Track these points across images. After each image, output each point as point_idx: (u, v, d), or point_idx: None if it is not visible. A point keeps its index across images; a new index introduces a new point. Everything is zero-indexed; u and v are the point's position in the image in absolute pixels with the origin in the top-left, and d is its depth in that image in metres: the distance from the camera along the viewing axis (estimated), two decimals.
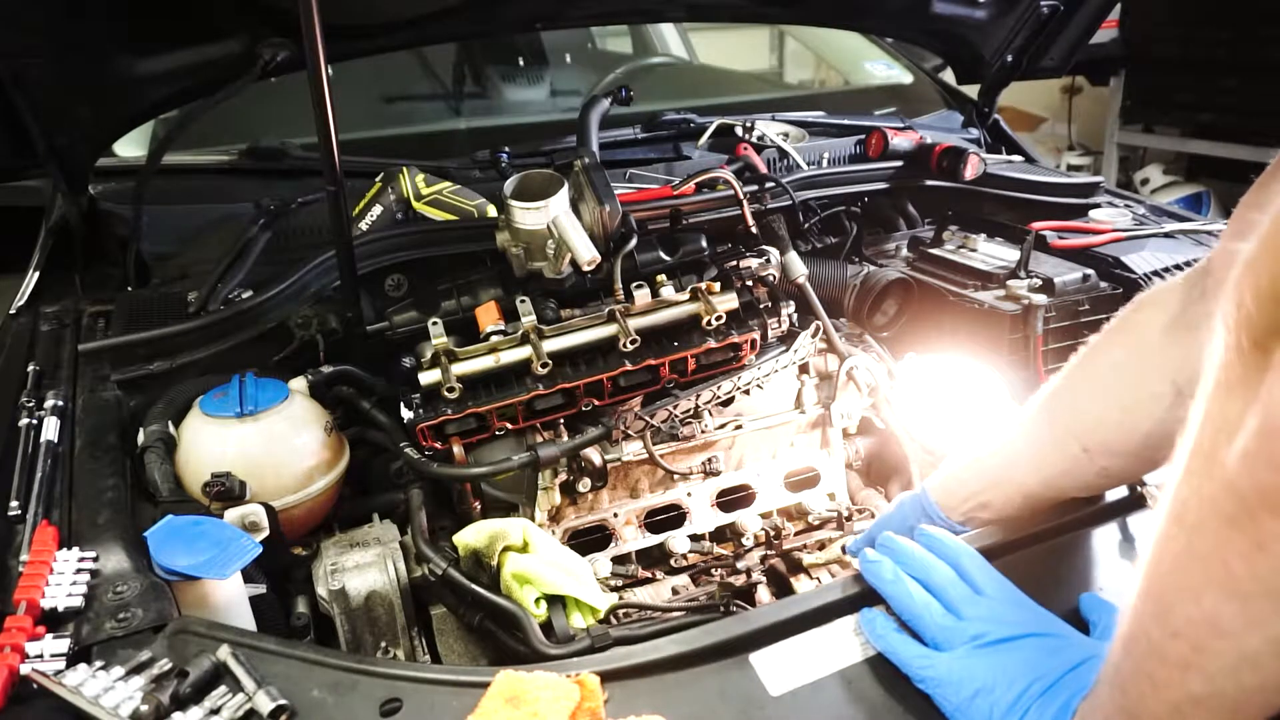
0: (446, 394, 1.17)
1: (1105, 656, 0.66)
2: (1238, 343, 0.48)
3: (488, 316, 1.28)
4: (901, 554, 0.86)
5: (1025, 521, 0.95)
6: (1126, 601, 0.61)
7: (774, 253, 1.42)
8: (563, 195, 1.26)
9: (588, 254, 1.20)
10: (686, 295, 1.31)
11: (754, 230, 1.47)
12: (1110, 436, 0.87)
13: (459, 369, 1.20)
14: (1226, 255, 0.81)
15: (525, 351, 1.22)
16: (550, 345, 1.23)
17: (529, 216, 1.27)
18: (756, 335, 1.32)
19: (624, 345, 1.24)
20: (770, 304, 1.36)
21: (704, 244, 1.44)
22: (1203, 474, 0.51)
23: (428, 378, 1.18)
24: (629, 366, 1.24)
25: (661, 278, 1.33)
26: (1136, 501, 0.96)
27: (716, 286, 1.31)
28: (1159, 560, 0.57)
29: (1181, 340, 0.82)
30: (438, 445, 1.20)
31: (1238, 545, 0.49)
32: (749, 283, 1.37)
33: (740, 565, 1.29)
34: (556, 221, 1.24)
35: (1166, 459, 0.79)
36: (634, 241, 1.35)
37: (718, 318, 1.28)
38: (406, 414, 1.20)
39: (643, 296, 1.29)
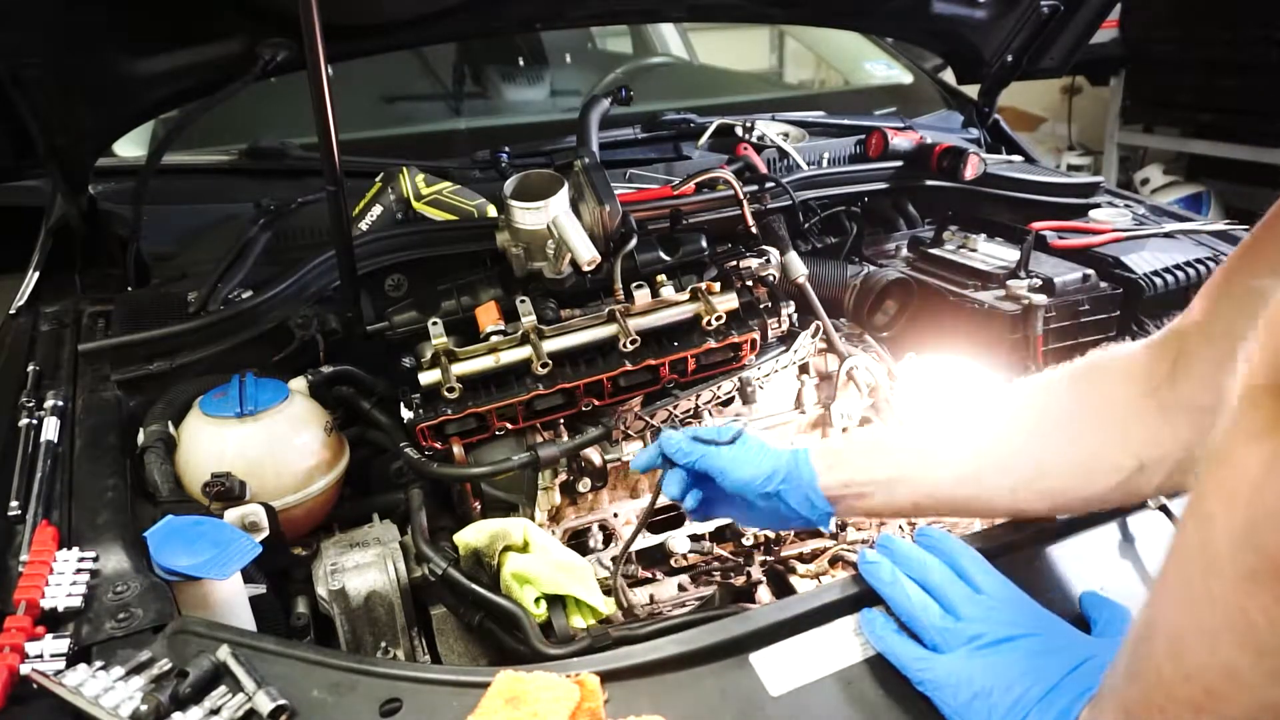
0: (446, 394, 1.17)
1: (1108, 661, 0.65)
2: (1268, 387, 0.47)
3: (487, 316, 1.28)
4: (900, 554, 0.86)
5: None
6: (1136, 626, 0.60)
7: (774, 253, 1.42)
8: (563, 195, 1.26)
9: (588, 254, 1.20)
10: (686, 295, 1.31)
11: (754, 230, 1.47)
12: (1049, 489, 0.89)
13: (459, 369, 1.20)
14: (1204, 331, 0.81)
15: (525, 352, 1.22)
16: (550, 345, 1.23)
17: (529, 216, 1.27)
18: (756, 335, 1.32)
19: (624, 345, 1.23)
20: (770, 304, 1.36)
21: (704, 244, 1.44)
22: (1224, 523, 0.50)
23: (428, 378, 1.18)
24: (629, 367, 1.24)
25: (661, 278, 1.33)
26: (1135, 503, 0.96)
27: (716, 286, 1.31)
28: (1174, 597, 0.56)
29: (1152, 421, 0.83)
30: (438, 445, 1.20)
31: (1259, 599, 0.48)
32: (749, 283, 1.37)
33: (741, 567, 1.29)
34: (556, 221, 1.24)
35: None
36: (634, 242, 1.35)
37: (717, 318, 1.28)
38: (406, 414, 1.20)
39: (642, 296, 1.29)
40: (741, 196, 1.47)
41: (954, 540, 0.87)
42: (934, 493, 0.93)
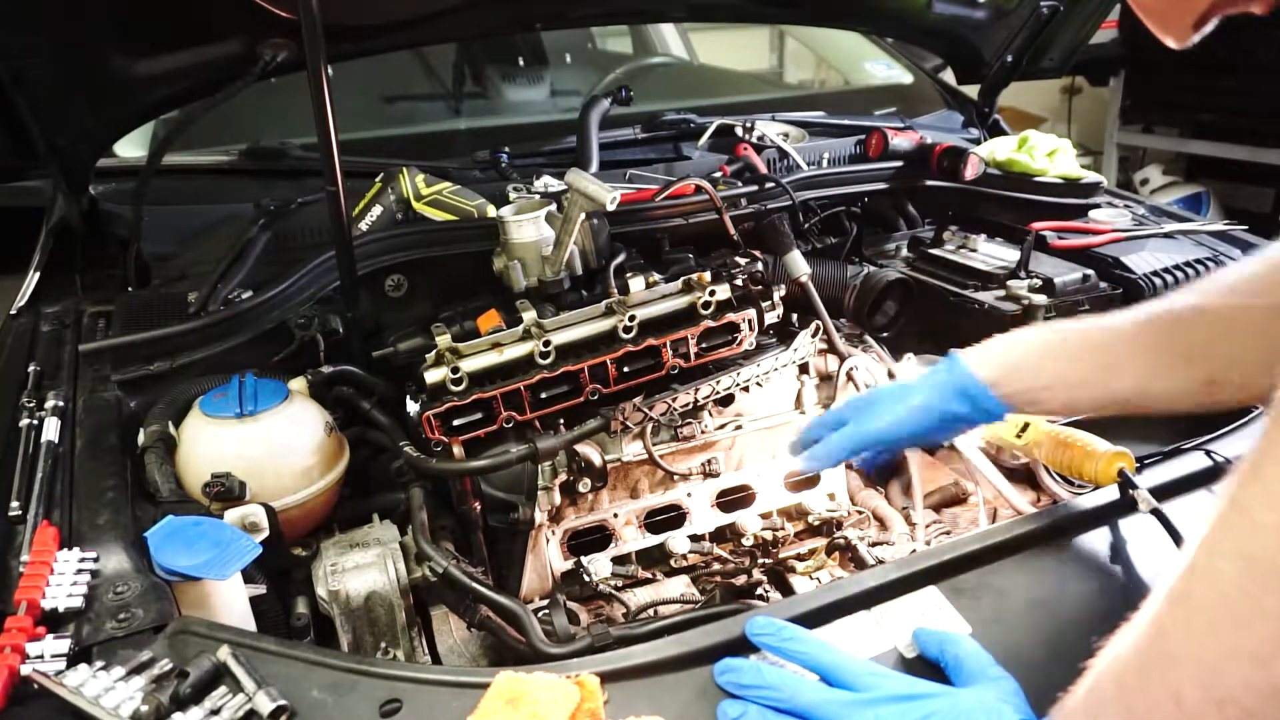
0: (452, 385, 1.17)
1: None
2: None
3: (489, 324, 1.28)
4: (755, 689, 0.74)
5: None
6: (1130, 657, 0.58)
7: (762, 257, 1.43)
8: (551, 209, 1.28)
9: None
10: (679, 285, 1.32)
11: (737, 239, 1.47)
12: (1250, 378, 0.87)
13: (463, 365, 1.20)
14: None
15: (528, 346, 1.22)
16: (551, 337, 1.23)
17: (523, 229, 1.29)
18: (753, 314, 1.31)
19: (623, 327, 1.23)
20: (763, 288, 1.36)
21: (693, 263, 1.45)
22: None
23: (433, 375, 1.18)
24: (631, 347, 1.24)
25: (655, 277, 1.34)
26: (1128, 505, 0.96)
27: (707, 276, 1.31)
28: (1205, 618, 0.53)
29: None
30: (444, 438, 1.20)
31: None
32: (739, 280, 1.37)
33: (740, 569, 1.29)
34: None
35: None
36: (623, 256, 1.36)
37: (710, 292, 1.28)
38: (412, 407, 1.20)
39: (637, 285, 1.29)
40: (719, 204, 1.47)
41: (805, 638, 0.78)
42: (1112, 394, 0.93)
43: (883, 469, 1.25)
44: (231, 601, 0.92)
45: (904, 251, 1.76)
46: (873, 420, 1.01)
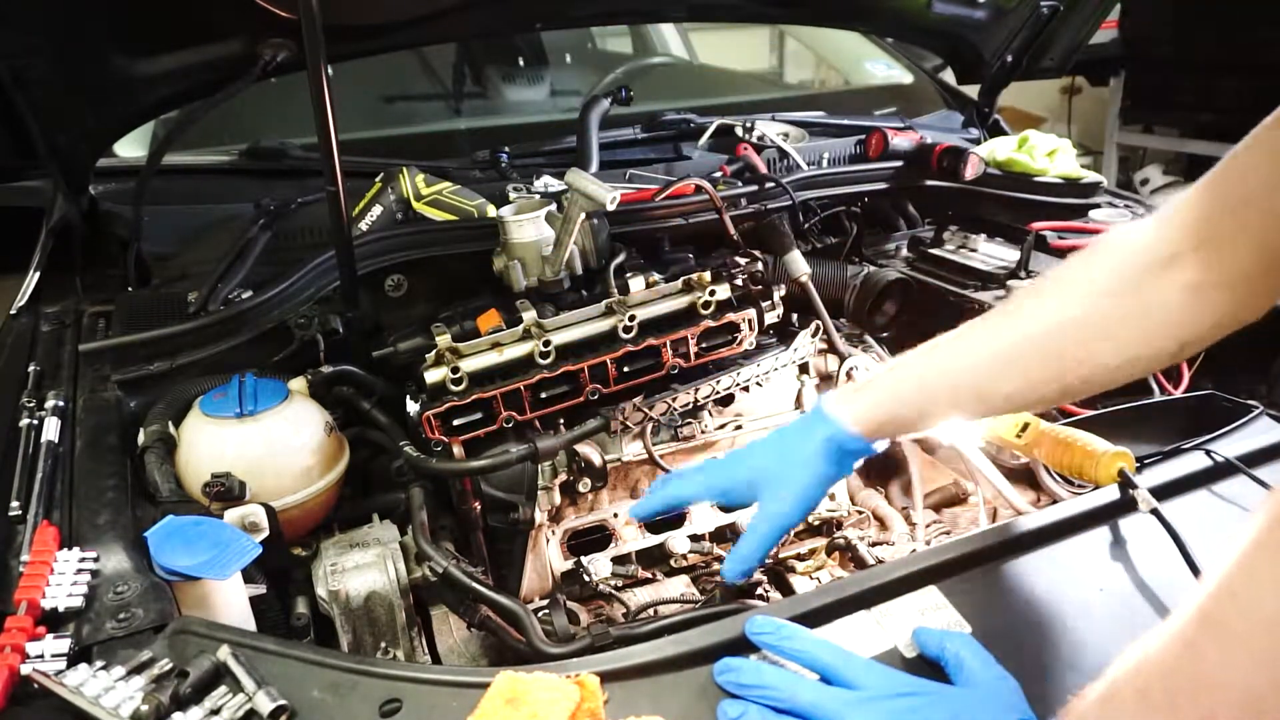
0: (452, 386, 1.17)
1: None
2: None
3: (489, 324, 1.28)
4: (755, 689, 0.74)
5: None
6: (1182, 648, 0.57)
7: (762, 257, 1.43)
8: (551, 209, 1.28)
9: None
10: (680, 285, 1.32)
11: (736, 239, 1.47)
12: (1096, 381, 0.89)
13: (464, 365, 1.20)
14: (1216, 215, 0.82)
15: (528, 346, 1.22)
16: (552, 337, 1.23)
17: (523, 229, 1.29)
18: (753, 314, 1.31)
19: (623, 328, 1.23)
20: (763, 288, 1.36)
21: (693, 262, 1.45)
22: None
23: (433, 375, 1.18)
24: (631, 347, 1.24)
25: (655, 277, 1.34)
26: (1128, 505, 0.96)
27: (707, 276, 1.32)
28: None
29: (1195, 304, 0.83)
30: (444, 438, 1.20)
31: None
32: (739, 280, 1.37)
33: None
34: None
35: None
36: (623, 256, 1.36)
37: (710, 292, 1.28)
38: (412, 407, 1.20)
39: (637, 285, 1.29)
40: (719, 205, 1.47)
41: (803, 636, 0.79)
42: (961, 404, 0.94)
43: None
44: (231, 601, 0.92)
45: (904, 251, 1.76)
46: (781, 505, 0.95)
